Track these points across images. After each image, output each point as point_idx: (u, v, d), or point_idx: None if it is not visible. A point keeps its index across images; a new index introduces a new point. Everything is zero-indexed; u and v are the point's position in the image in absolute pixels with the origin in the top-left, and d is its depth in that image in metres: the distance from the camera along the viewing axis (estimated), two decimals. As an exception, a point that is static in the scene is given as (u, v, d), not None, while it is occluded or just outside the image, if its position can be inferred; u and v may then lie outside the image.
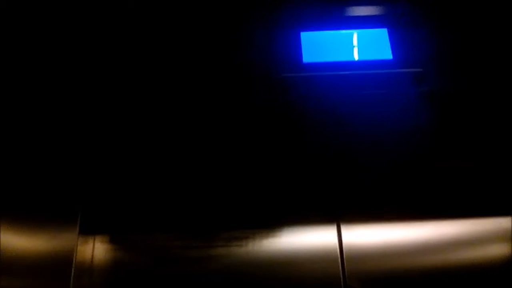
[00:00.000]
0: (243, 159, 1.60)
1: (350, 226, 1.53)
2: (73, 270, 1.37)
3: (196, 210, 1.55)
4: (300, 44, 1.72)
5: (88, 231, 1.50)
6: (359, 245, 1.50)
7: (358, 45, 1.73)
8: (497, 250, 1.52)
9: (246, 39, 1.75)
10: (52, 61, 1.64)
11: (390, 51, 1.70)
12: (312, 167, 1.59)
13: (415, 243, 1.51)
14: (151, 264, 1.49)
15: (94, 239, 1.53)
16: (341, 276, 1.46)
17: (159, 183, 1.57)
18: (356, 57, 1.72)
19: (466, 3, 1.76)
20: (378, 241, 1.51)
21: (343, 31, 1.75)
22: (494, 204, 1.55)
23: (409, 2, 1.77)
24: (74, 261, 1.38)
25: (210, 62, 1.71)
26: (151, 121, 1.64)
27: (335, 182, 1.58)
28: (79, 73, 1.64)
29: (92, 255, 1.51)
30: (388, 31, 1.72)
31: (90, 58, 1.67)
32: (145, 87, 1.68)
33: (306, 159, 1.60)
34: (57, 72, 1.63)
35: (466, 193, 1.56)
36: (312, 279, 1.45)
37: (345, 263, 1.47)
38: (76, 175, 1.52)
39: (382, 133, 1.62)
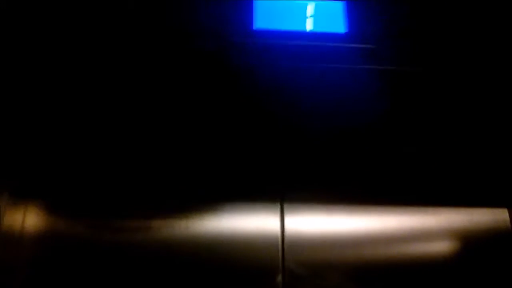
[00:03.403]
0: (187, 130, 1.55)
1: (293, 207, 1.52)
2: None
3: (137, 180, 1.51)
4: (252, 9, 1.64)
5: (19, 197, 1.45)
6: (301, 227, 1.50)
7: (314, 15, 1.67)
8: (442, 245, 1.52)
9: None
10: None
11: (344, 25, 1.65)
12: (258, 142, 1.56)
13: (361, 230, 1.51)
14: (87, 233, 1.45)
15: (26, 207, 1.46)
16: (280, 257, 1.45)
17: (98, 149, 1.52)
18: (308, 27, 1.66)
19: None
20: (321, 224, 1.51)
21: (299, 1, 1.69)
22: (444, 194, 1.56)
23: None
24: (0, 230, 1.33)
25: (156, 22, 1.61)
26: (88, 88, 1.55)
27: (281, 160, 1.56)
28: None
29: (23, 224, 1.43)
30: (345, 4, 1.67)
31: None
32: (79, 52, 1.57)
33: (252, 132, 1.56)
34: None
35: (415, 180, 1.56)
36: (251, 258, 1.45)
37: (285, 245, 1.47)
38: (9, 138, 1.45)
39: (331, 109, 1.59)
